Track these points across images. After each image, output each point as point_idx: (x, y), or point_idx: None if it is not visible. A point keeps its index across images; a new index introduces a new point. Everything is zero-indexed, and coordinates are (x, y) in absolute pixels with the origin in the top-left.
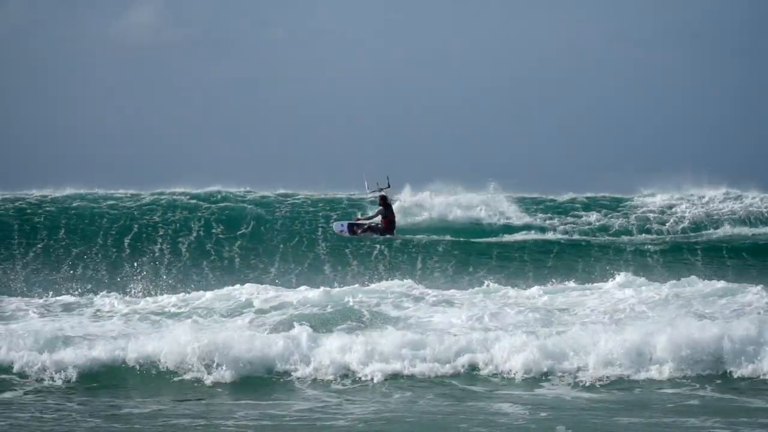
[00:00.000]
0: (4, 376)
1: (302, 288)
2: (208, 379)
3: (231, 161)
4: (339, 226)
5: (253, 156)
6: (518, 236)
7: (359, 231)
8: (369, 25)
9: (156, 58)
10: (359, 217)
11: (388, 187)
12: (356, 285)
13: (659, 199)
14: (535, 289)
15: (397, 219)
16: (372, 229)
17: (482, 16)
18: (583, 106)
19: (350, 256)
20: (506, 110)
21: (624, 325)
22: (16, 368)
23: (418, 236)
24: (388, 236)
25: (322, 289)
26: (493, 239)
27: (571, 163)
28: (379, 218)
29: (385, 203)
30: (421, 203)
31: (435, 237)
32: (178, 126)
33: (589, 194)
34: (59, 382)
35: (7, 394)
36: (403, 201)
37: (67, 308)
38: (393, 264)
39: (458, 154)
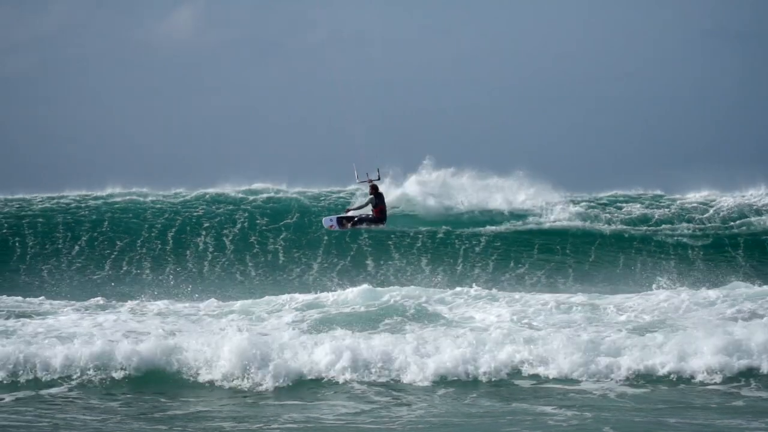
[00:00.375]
0: (47, 372)
1: (345, 290)
2: (254, 382)
3: (274, 160)
4: (328, 221)
5: (295, 154)
6: (560, 224)
7: (349, 224)
8: (406, 25)
9: (196, 60)
10: (349, 207)
11: (378, 179)
12: (397, 285)
13: (698, 196)
14: (577, 298)
15: (430, 201)
16: (362, 220)
17: (516, 12)
18: (613, 105)
19: (393, 249)
20: (537, 109)
21: (667, 325)
22: (58, 365)
23: (459, 229)
24: (380, 226)
25: (364, 287)
26: (535, 227)
27: (608, 162)
28: (369, 207)
29: (376, 192)
30: (447, 183)
31: (477, 229)
32: (218, 127)
33: (629, 192)
34: (104, 381)
35: (53, 390)
36: (422, 176)
37: (111, 308)
38: (435, 257)
39: (484, 151)
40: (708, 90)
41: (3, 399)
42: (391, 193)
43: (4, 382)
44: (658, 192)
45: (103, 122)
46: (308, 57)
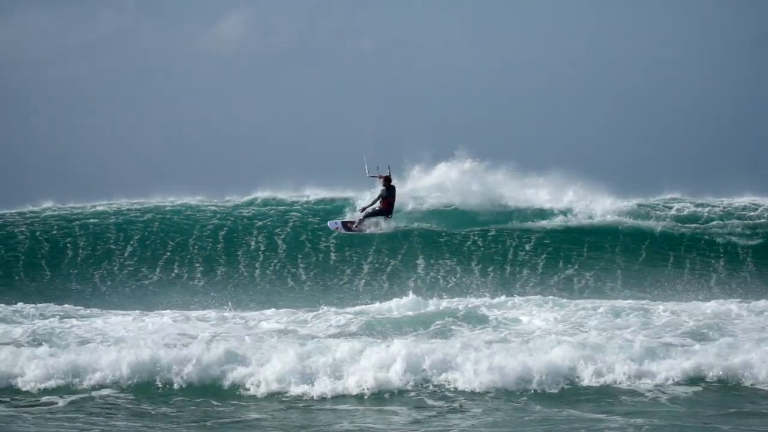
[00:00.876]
0: (98, 377)
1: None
2: (305, 390)
3: (324, 166)
4: (333, 224)
5: (342, 161)
6: (611, 218)
7: (353, 227)
8: (452, 34)
9: (244, 68)
10: (364, 206)
11: (389, 175)
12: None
13: (744, 200)
14: (628, 303)
15: (474, 187)
16: (367, 215)
17: (563, 18)
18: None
19: (444, 248)
20: (584, 112)
21: (717, 331)
22: (110, 371)
23: (509, 223)
24: (386, 221)
25: (411, 297)
26: (586, 223)
27: (652, 169)
28: (378, 201)
29: (388, 185)
30: (483, 176)
31: (527, 224)
32: (267, 134)
33: (677, 195)
34: (155, 387)
35: (104, 392)
36: (455, 164)
37: (162, 314)
38: (485, 257)
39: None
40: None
41: (56, 404)
42: (423, 180)
43: (57, 386)
44: (710, 199)
45: (150, 130)
46: (355, 65)
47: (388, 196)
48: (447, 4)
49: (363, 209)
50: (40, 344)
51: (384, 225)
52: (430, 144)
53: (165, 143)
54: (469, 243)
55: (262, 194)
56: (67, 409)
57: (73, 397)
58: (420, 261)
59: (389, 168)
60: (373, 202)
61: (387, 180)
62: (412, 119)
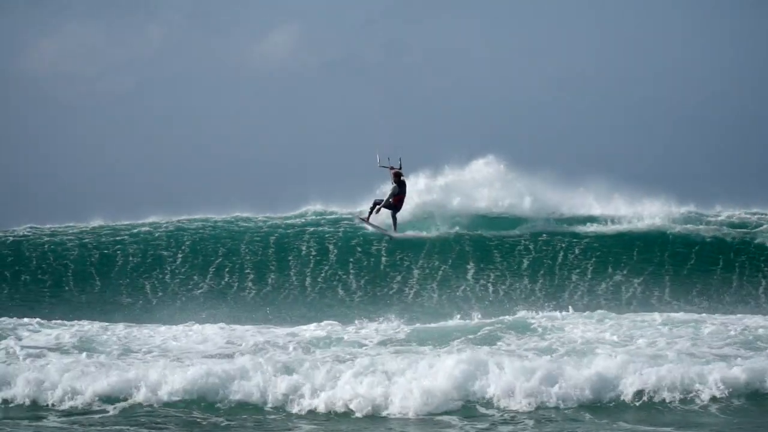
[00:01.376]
0: (146, 386)
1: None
2: (359, 401)
3: (372, 180)
4: (349, 213)
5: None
6: (660, 222)
7: (366, 219)
8: (504, 46)
9: (294, 82)
10: (378, 204)
11: (400, 168)
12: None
13: None
14: (678, 315)
15: (515, 184)
16: (378, 209)
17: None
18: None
19: (495, 252)
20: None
21: (765, 342)
22: (159, 384)
23: (559, 228)
24: (396, 219)
25: (456, 321)
26: (635, 228)
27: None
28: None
29: (399, 180)
30: (525, 179)
31: (579, 227)
32: (313, 151)
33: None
34: (206, 398)
35: (153, 402)
36: (492, 162)
37: (214, 326)
38: (535, 261)
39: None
40: None
41: (107, 412)
42: (454, 174)
43: (106, 397)
44: (757, 209)
45: (197, 145)
46: (405, 79)
47: (400, 192)
48: (494, 17)
49: (377, 206)
50: (89, 355)
51: (393, 233)
52: (472, 150)
53: (213, 159)
54: (520, 247)
55: (313, 207)
56: (118, 419)
57: (124, 405)
58: (470, 266)
59: (400, 160)
60: (387, 199)
61: (397, 175)
62: (457, 129)
